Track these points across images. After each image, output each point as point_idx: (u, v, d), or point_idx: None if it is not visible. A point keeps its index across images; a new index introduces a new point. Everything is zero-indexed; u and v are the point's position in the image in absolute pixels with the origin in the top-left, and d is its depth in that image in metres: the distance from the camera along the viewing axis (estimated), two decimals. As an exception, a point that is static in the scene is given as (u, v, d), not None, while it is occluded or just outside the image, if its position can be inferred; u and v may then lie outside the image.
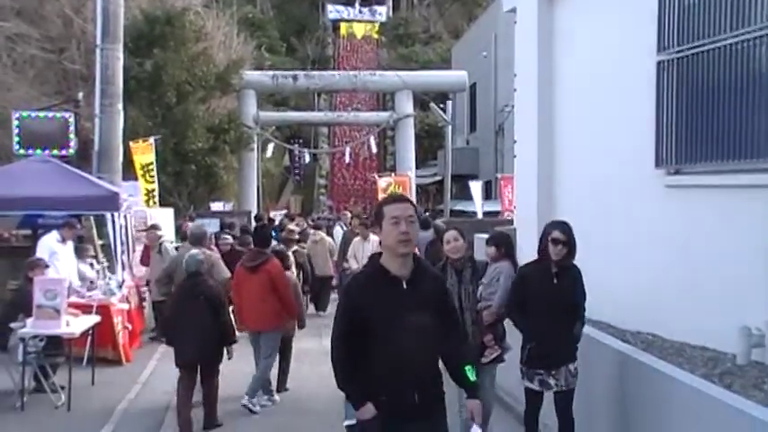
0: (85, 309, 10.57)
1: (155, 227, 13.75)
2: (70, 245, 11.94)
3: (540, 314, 6.06)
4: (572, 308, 6.10)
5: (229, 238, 15.57)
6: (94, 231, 12.49)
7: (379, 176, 17.58)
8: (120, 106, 15.09)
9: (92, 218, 12.87)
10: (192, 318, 7.70)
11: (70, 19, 23.37)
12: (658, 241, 7.56)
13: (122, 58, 15.35)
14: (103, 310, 10.99)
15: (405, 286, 3.93)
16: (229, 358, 8.11)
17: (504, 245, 7.22)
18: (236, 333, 8.31)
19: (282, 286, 8.80)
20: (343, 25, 55.73)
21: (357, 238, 14.43)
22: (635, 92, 7.83)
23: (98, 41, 14.78)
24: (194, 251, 8.72)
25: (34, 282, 8.82)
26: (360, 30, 55.38)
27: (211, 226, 21.23)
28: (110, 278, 12.62)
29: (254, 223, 23.03)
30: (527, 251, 9.15)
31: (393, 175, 18.17)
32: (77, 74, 23.54)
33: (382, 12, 56.52)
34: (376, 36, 54.66)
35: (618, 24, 8.22)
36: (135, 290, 13.77)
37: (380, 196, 16.44)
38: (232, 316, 8.65)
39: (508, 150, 28.15)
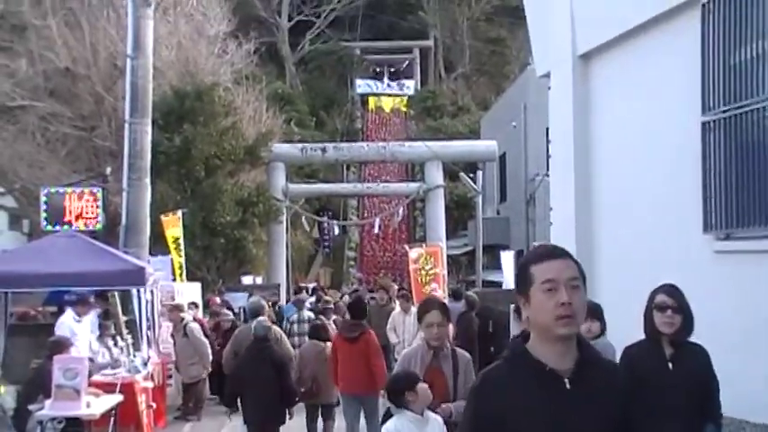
0: (109, 387, 10.27)
1: (178, 307, 13.43)
2: (86, 320, 11.73)
3: (654, 412, 4.14)
4: (697, 402, 4.55)
5: (230, 314, 15.33)
6: (119, 308, 12.23)
7: (410, 247, 17.22)
8: (148, 181, 14.97)
9: (116, 293, 12.63)
10: (258, 379, 8.47)
11: (102, 97, 23.68)
12: (707, 310, 7.07)
13: (151, 132, 15.32)
14: (127, 388, 10.63)
15: (568, 386, 2.60)
16: (290, 418, 8.87)
17: (602, 317, 6.10)
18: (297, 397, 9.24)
19: (375, 356, 9.34)
20: (371, 99, 56.27)
21: (397, 311, 13.98)
22: (679, 154, 7.48)
23: (127, 116, 14.76)
24: (262, 318, 9.68)
25: (54, 360, 8.53)
26: (388, 103, 55.85)
27: (240, 300, 21.09)
28: (134, 355, 12.30)
29: (282, 298, 22.81)
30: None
31: (424, 245, 17.83)
32: (107, 150, 23.76)
33: (410, 85, 57.07)
34: (404, 109, 55.06)
35: (659, 85, 7.91)
36: (161, 367, 13.45)
37: (411, 267, 16.11)
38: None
39: (540, 219, 27.78)
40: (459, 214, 38.70)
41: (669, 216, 7.68)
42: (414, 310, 13.88)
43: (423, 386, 5.01)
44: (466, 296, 14.36)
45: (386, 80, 57.41)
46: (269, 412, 8.56)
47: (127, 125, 14.79)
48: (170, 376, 14.00)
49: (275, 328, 10.72)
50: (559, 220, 10.21)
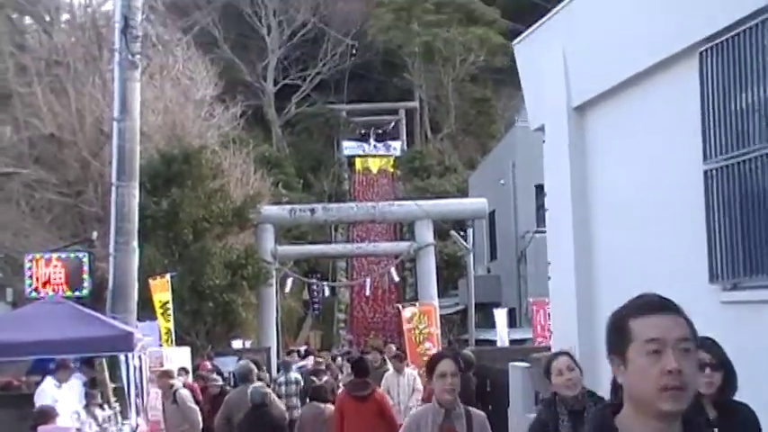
0: (96, 459, 9.93)
1: (167, 373, 13.07)
2: (67, 387, 11.40)
3: None
4: None
5: (219, 380, 14.92)
6: (107, 374, 11.83)
7: (404, 307, 16.92)
8: (136, 244, 14.69)
9: (104, 360, 12.26)
10: None
11: (88, 162, 23.51)
12: (718, 364, 6.87)
13: (138, 195, 15.14)
14: (115, 459, 10.32)
15: None
16: None
17: None
18: None
19: (389, 412, 9.35)
20: (358, 160, 56.35)
21: (390, 372, 13.63)
22: (682, 204, 7.33)
23: (113, 179, 14.55)
24: (258, 384, 9.91)
25: (38, 432, 8.18)
26: (375, 164, 55.93)
27: (230, 365, 20.64)
28: (123, 423, 11.91)
29: (273, 361, 22.37)
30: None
31: (417, 304, 17.53)
32: (94, 216, 23.49)
33: (397, 146, 57.22)
34: (391, 170, 55.11)
35: (658, 135, 7.79)
36: (150, 436, 13.02)
37: (405, 327, 15.80)
38: None
39: (531, 276, 27.58)
40: (448, 273, 38.42)
41: (674, 267, 7.49)
42: (408, 371, 13.57)
43: None
44: (462, 355, 14.01)
45: (372, 141, 57.55)
46: None
47: (114, 188, 14.56)
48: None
49: (269, 391, 10.49)
50: (558, 275, 10.01)
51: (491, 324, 25.60)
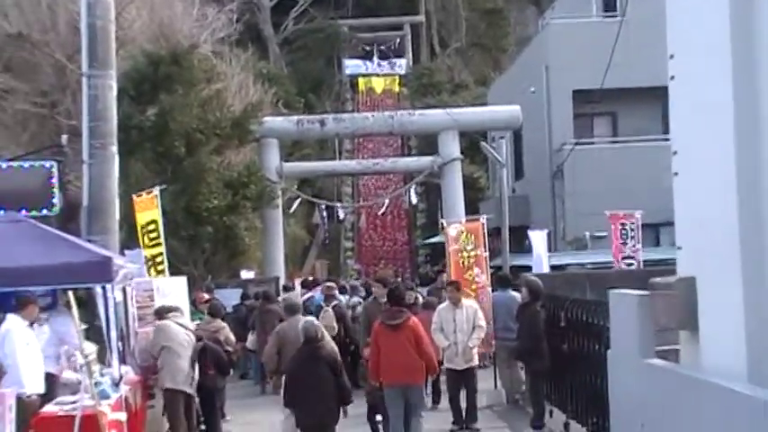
0: (62, 423, 8.02)
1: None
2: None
3: None
4: None
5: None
6: (75, 311, 9.06)
7: (448, 224, 14.15)
8: (115, 149, 11.96)
9: (70, 293, 9.49)
10: (313, 380, 8.41)
11: (63, 67, 20.52)
12: None
13: (121, 101, 12.36)
14: (89, 421, 8.08)
15: None
16: (344, 416, 8.72)
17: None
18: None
19: (423, 341, 9.27)
20: (361, 80, 53.68)
21: (444, 305, 10.96)
22: None
23: (84, 67, 11.71)
24: (310, 318, 9.53)
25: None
26: (379, 84, 53.14)
27: (232, 297, 18.25)
28: (102, 374, 9.31)
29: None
30: (724, 312, 5.55)
31: (463, 221, 14.77)
32: (73, 130, 20.68)
33: (402, 64, 54.35)
34: (397, 89, 52.31)
35: None
36: (139, 387, 10.46)
37: (451, 248, 12.99)
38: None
39: (569, 195, 24.86)
40: (465, 196, 35.86)
41: None
42: (467, 302, 10.91)
43: None
44: (527, 282, 11.22)
45: (376, 59, 54.58)
46: (326, 413, 8.51)
47: (84, 79, 11.75)
48: (152, 395, 11.07)
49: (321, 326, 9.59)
50: (695, 171, 7.14)
51: (521, 249, 23.20)
